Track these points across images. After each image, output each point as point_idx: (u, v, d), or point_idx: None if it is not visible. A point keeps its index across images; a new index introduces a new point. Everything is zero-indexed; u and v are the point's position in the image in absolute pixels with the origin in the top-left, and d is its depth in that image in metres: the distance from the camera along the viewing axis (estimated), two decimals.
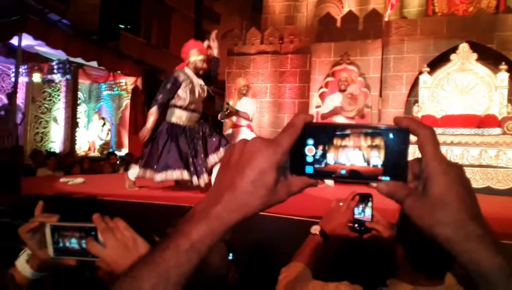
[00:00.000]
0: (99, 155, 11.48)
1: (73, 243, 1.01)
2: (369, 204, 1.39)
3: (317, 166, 0.52)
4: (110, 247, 0.91)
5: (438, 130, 6.43)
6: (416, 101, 7.34)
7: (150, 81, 11.79)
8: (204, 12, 15.28)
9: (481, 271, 0.46)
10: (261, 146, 0.50)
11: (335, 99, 6.06)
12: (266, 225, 2.98)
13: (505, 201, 4.85)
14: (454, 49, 7.21)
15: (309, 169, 0.52)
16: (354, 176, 0.52)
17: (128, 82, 11.98)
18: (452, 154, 6.20)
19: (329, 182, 5.20)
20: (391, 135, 0.51)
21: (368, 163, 0.51)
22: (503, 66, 6.76)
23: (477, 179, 5.77)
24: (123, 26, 11.66)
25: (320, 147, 0.52)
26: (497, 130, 6.16)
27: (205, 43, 4.77)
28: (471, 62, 6.98)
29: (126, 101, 12.21)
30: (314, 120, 0.53)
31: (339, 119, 5.66)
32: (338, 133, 0.52)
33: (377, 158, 0.51)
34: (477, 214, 0.49)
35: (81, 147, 11.80)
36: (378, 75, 8.00)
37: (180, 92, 4.49)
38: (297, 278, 1.25)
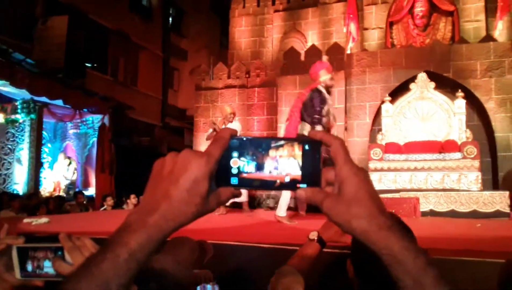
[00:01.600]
0: (65, 195, 11.16)
1: (40, 264, 1.00)
2: None
3: (241, 177, 0.55)
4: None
5: (401, 157, 6.63)
6: (380, 130, 7.54)
7: (117, 118, 11.70)
8: (171, 50, 15.46)
9: (393, 254, 0.53)
10: (194, 157, 0.52)
11: None
12: (247, 254, 2.99)
13: (469, 222, 4.98)
14: (413, 79, 7.52)
15: (234, 181, 0.56)
16: (275, 185, 0.56)
17: (94, 120, 11.84)
18: (416, 179, 6.38)
19: None
20: (306, 147, 0.56)
21: (288, 173, 0.56)
22: (460, 94, 7.08)
23: (441, 203, 5.90)
24: (89, 64, 11.64)
25: (244, 159, 0.55)
26: (458, 155, 6.39)
27: (324, 58, 5.00)
28: (429, 91, 7.28)
29: (93, 139, 12.01)
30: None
31: None
32: (259, 145, 0.56)
33: (295, 168, 0.55)
34: (384, 209, 0.55)
35: (45, 188, 11.45)
36: (342, 105, 8.23)
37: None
38: (286, 281, 1.27)
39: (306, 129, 4.86)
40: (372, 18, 9.35)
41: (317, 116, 4.68)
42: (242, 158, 0.55)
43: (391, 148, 6.87)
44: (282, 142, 0.56)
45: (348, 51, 8.87)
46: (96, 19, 11.77)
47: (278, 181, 0.55)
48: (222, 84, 9.65)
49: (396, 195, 6.14)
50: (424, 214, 5.71)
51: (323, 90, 4.92)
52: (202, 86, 9.85)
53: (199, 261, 1.98)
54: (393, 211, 5.62)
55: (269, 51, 10.76)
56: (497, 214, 5.64)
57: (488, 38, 7.94)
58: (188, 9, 16.70)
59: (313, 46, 9.05)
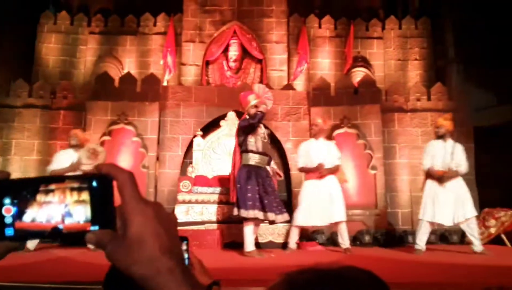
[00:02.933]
0: None
1: None
2: (185, 247, 1.30)
3: (18, 227, 0.46)
4: None
5: (209, 189, 6.83)
6: (191, 162, 7.68)
7: None
8: None
9: None
10: None
11: (67, 156, 6.07)
12: None
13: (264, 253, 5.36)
14: (224, 116, 7.94)
15: (9, 232, 0.46)
16: (61, 235, 0.47)
17: None
18: (222, 211, 6.61)
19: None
20: (95, 183, 0.48)
21: (75, 218, 0.47)
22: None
23: (260, 234, 6.19)
24: None
25: (21, 205, 0.46)
26: None
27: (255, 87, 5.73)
28: None
29: None
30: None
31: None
32: (41, 188, 0.47)
33: (83, 210, 0.48)
34: (170, 248, 0.49)
35: None
36: (155, 136, 8.15)
37: (248, 137, 5.24)
38: None
39: (249, 159, 5.16)
40: (189, 55, 9.65)
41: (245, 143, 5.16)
42: (19, 204, 0.46)
43: (200, 181, 7.03)
44: (70, 182, 0.47)
45: (165, 83, 8.93)
46: None
47: (65, 228, 0.46)
48: (21, 102, 8.57)
49: (202, 227, 6.25)
50: (226, 245, 5.92)
51: (248, 118, 5.26)
52: None
53: None
54: (198, 243, 5.69)
55: (81, 73, 10.07)
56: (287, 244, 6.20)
57: (289, 86, 8.96)
58: None
59: (128, 73, 8.82)
